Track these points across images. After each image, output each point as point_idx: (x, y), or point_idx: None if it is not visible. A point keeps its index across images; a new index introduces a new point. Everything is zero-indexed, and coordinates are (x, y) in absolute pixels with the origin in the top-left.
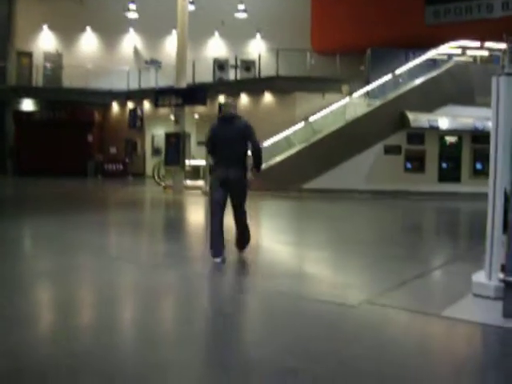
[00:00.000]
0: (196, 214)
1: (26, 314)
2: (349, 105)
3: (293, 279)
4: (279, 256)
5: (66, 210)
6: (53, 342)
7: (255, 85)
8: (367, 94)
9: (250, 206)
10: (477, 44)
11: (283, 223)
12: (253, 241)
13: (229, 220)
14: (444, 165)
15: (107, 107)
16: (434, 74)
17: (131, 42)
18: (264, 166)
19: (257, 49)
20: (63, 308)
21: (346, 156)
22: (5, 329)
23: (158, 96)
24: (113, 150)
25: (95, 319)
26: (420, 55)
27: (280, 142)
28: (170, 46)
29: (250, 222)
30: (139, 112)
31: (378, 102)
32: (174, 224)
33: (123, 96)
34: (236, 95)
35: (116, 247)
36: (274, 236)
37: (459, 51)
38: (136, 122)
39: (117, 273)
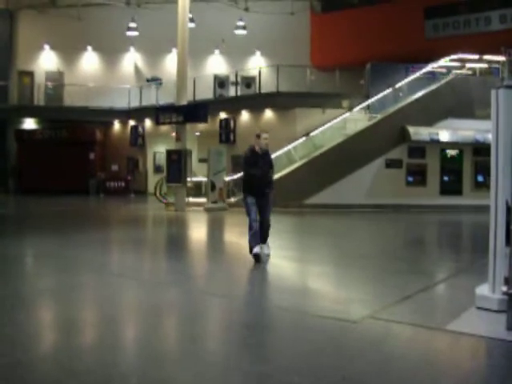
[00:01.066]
0: (198, 231)
1: (27, 332)
2: (349, 119)
3: (296, 295)
4: (282, 272)
5: (67, 229)
6: (54, 360)
7: (256, 101)
8: (367, 108)
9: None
10: (476, 57)
11: (285, 239)
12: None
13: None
14: (445, 178)
15: (108, 125)
16: (433, 87)
17: (132, 60)
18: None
19: (257, 65)
20: (65, 326)
21: (347, 171)
22: (6, 347)
23: (159, 113)
24: (114, 168)
25: (98, 338)
26: (420, 69)
27: (281, 157)
28: (170, 63)
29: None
30: (140, 130)
31: (378, 116)
32: (177, 241)
33: (124, 114)
34: (237, 112)
35: (118, 265)
36: (276, 252)
37: (458, 64)
38: (137, 139)
39: (119, 290)
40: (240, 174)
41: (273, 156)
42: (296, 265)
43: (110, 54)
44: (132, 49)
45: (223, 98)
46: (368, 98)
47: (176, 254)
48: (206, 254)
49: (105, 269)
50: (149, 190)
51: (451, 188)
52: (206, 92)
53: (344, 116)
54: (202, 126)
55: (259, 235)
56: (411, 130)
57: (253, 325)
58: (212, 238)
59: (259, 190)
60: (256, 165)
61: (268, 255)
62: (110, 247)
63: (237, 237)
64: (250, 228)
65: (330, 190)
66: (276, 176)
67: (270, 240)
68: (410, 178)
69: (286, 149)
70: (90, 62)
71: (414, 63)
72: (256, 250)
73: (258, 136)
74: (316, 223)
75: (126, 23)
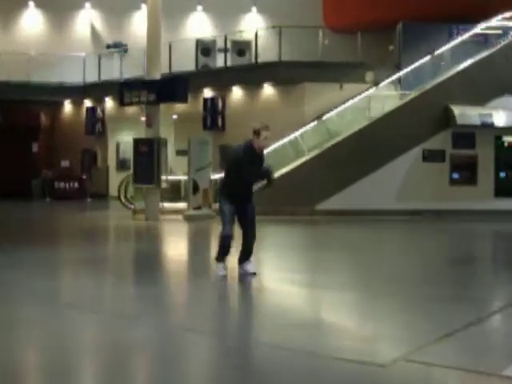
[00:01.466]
0: (176, 248)
1: None
2: (375, 97)
3: (306, 331)
4: (288, 300)
5: (4, 244)
6: None
7: (251, 74)
8: (398, 82)
9: None
10: None
11: (292, 257)
12: (255, 281)
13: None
14: (502, 174)
15: (57, 107)
16: (485, 54)
17: (87, 19)
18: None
19: (253, 26)
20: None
21: (371, 166)
22: None
23: (124, 91)
24: (65, 164)
25: None
26: (467, 31)
27: (285, 149)
28: (138, 24)
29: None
30: (99, 112)
31: (412, 93)
32: (147, 261)
33: (78, 92)
34: (226, 88)
35: (71, 292)
36: (280, 274)
37: None
38: (95, 125)
39: (72, 327)
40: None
41: (274, 146)
42: (306, 291)
43: (59, 11)
44: (87, 5)
45: (208, 70)
46: (399, 69)
47: (146, 277)
48: (186, 277)
49: (54, 298)
50: (111, 192)
51: (510, 187)
52: (185, 62)
53: (368, 93)
54: (180, 107)
55: (229, 250)
56: (456, 110)
57: (249, 373)
58: (193, 257)
59: (244, 196)
60: (251, 168)
61: (254, 273)
62: (61, 269)
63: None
64: (223, 245)
65: (349, 191)
66: (278, 173)
67: (270, 257)
68: (456, 175)
69: (290, 137)
70: (31, 22)
71: (460, 23)
72: (222, 272)
73: (258, 133)
74: (332, 235)
75: None
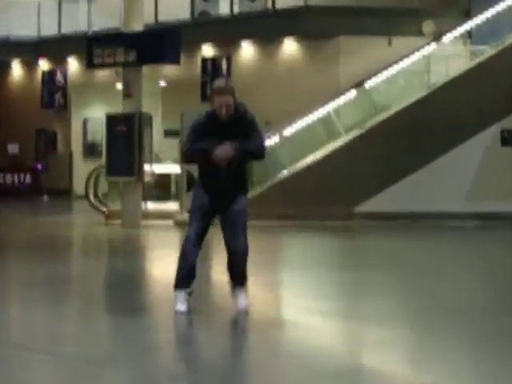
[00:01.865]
0: (162, 265)
1: None
2: (436, 57)
3: (343, 381)
4: (317, 338)
5: None
6: None
7: (267, 24)
8: (468, 36)
9: (259, 248)
10: None
11: (322, 278)
12: (272, 310)
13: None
14: None
15: (2, 70)
16: None
17: None
18: (280, 176)
19: None
20: None
21: (430, 152)
22: None
23: (94, 48)
24: (13, 149)
25: None
26: None
27: (312, 128)
28: None
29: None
30: (60, 78)
31: (488, 52)
32: (123, 284)
33: (30, 49)
34: (233, 44)
35: (19, 327)
36: (306, 302)
37: None
38: (54, 96)
39: (20, 373)
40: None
41: (297, 125)
42: (341, 325)
43: None
44: None
45: (208, 20)
46: (469, 17)
47: (120, 307)
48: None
49: None
50: (75, 188)
51: None
52: (176, 8)
53: (426, 51)
54: (170, 70)
55: (193, 270)
56: None
57: None
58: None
59: (224, 186)
60: (216, 139)
61: (246, 311)
62: (6, 295)
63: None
64: (180, 261)
65: (400, 187)
66: (302, 164)
67: (292, 278)
68: None
69: (320, 112)
70: None
71: None
72: (181, 307)
73: (211, 98)
74: (375, 248)
75: None
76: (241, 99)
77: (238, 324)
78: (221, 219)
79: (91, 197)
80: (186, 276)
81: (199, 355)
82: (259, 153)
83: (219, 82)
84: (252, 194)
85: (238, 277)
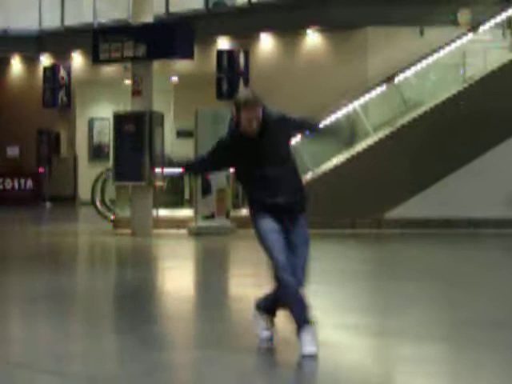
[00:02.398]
0: (175, 279)
1: None
2: (472, 49)
3: None
4: (346, 355)
5: None
6: None
7: (288, 14)
8: (508, 26)
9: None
10: None
11: (352, 291)
12: (291, 325)
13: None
14: None
15: (0, 67)
16: None
17: None
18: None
19: None
20: None
21: (469, 152)
22: None
23: (100, 42)
24: (12, 152)
25: None
26: None
27: (338, 127)
28: None
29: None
30: (64, 75)
31: None
32: (134, 299)
33: (32, 43)
34: (251, 36)
35: (21, 344)
36: (336, 317)
37: None
38: (58, 94)
39: None
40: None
41: (324, 124)
42: (375, 342)
43: None
44: None
45: (224, 10)
46: (509, 4)
47: (128, 325)
48: (190, 326)
49: None
50: (81, 194)
51: None
52: None
53: (462, 42)
54: (183, 65)
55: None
56: None
57: None
58: (203, 294)
59: (287, 204)
60: (254, 158)
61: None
62: (7, 310)
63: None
64: (284, 285)
65: (435, 191)
66: (326, 166)
67: (320, 292)
68: None
69: (347, 109)
70: None
71: None
72: (312, 348)
73: (237, 111)
74: (409, 258)
75: None
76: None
77: (263, 342)
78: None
79: (98, 203)
80: (305, 307)
81: (211, 377)
82: (314, 122)
83: (246, 94)
84: None
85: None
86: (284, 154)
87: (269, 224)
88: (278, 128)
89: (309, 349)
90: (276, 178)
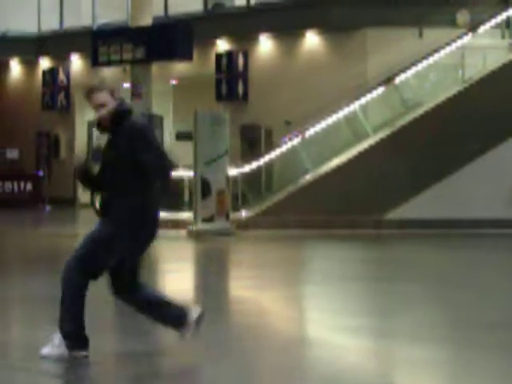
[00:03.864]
0: (174, 282)
1: None
2: (471, 49)
3: None
4: (344, 357)
5: None
6: None
7: (287, 16)
8: (506, 26)
9: (281, 260)
10: None
11: (349, 292)
12: (296, 327)
13: None
14: None
15: None
16: None
17: None
18: (303, 180)
19: None
20: None
21: (469, 153)
22: None
23: (99, 45)
24: (12, 155)
25: None
26: None
27: (338, 128)
28: None
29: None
30: (63, 77)
31: None
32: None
33: (30, 46)
34: (250, 38)
35: (20, 348)
36: (332, 318)
37: None
38: (57, 96)
39: None
40: (258, 163)
41: (321, 125)
42: (371, 344)
43: None
44: None
45: (223, 12)
46: (507, 5)
47: (128, 327)
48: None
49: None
50: (80, 197)
51: None
52: (188, 0)
53: (461, 43)
54: (182, 67)
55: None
56: None
57: None
58: (203, 297)
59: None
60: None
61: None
62: (5, 314)
63: (267, 300)
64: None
65: (435, 191)
66: (326, 167)
67: (317, 293)
68: None
69: (346, 110)
70: None
71: None
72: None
73: (86, 94)
74: (408, 259)
75: None
76: (259, 97)
77: (259, 342)
78: None
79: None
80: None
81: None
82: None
83: (93, 82)
84: (272, 200)
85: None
86: (115, 162)
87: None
88: (126, 134)
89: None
90: (105, 180)
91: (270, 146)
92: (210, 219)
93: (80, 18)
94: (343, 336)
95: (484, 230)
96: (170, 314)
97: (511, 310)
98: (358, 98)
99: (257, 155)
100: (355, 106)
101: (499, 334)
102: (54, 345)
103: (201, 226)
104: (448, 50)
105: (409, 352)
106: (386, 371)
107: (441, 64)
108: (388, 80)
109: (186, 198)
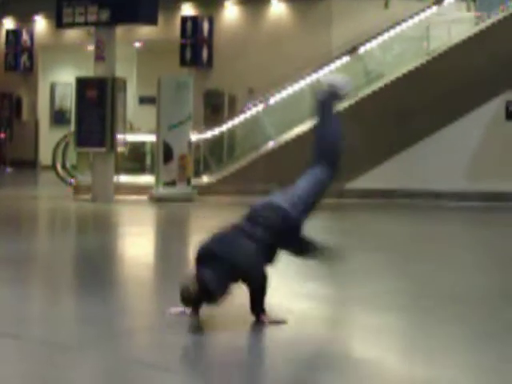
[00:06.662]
0: (136, 244)
1: None
2: (436, 22)
3: (333, 371)
4: (305, 325)
5: None
6: None
7: None
8: None
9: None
10: None
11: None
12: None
13: None
14: None
15: None
16: None
17: None
18: (266, 148)
19: None
20: None
21: (428, 126)
22: None
23: (63, 6)
24: None
25: None
26: None
27: (300, 98)
28: None
29: None
30: (26, 38)
31: (493, 17)
32: (95, 264)
33: None
34: (215, 3)
35: None
36: (288, 284)
37: None
38: (20, 58)
39: None
40: (220, 129)
41: (283, 93)
42: (328, 311)
43: None
44: None
45: None
46: None
47: (92, 287)
48: (148, 289)
49: None
50: (42, 159)
51: None
52: None
53: (426, 15)
54: (146, 31)
55: None
56: None
57: None
58: (162, 261)
59: None
60: None
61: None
62: None
63: None
64: None
65: (395, 163)
66: (288, 136)
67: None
68: None
69: (310, 79)
70: None
71: None
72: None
73: None
74: (367, 229)
75: None
76: (223, 64)
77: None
78: None
79: (59, 168)
80: None
81: (175, 341)
82: None
83: None
84: (234, 167)
85: None
86: None
87: None
88: None
89: None
90: None
91: (234, 113)
92: (171, 184)
93: None
94: (300, 303)
95: (443, 202)
96: None
97: (470, 283)
98: (322, 67)
99: (220, 121)
100: (319, 74)
101: (456, 306)
102: None
103: (162, 190)
104: (413, 21)
105: (365, 320)
106: (342, 337)
107: (405, 36)
108: (352, 50)
109: (148, 162)
